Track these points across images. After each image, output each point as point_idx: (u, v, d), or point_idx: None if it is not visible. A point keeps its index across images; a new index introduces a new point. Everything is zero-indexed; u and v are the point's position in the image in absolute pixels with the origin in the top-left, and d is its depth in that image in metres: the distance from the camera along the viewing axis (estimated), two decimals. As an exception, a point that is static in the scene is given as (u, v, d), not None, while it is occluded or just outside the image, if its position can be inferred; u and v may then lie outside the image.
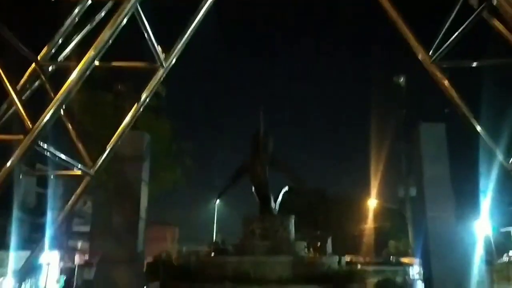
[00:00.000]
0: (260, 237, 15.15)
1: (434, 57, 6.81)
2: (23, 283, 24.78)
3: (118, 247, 10.52)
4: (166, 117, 17.72)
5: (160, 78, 7.29)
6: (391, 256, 37.92)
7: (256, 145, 15.69)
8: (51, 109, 5.63)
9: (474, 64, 7.18)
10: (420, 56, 6.87)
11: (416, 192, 11.47)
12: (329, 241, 15.75)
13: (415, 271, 30.47)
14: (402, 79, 10.91)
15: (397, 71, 12.19)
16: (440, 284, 10.21)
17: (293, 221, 15.88)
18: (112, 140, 7.37)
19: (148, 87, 7.36)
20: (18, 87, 6.60)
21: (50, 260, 29.27)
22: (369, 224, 39.08)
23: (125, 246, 10.58)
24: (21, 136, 5.50)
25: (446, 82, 6.69)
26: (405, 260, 32.34)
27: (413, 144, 11.37)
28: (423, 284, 26.21)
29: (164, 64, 7.14)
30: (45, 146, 5.84)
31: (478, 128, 6.72)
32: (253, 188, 15.83)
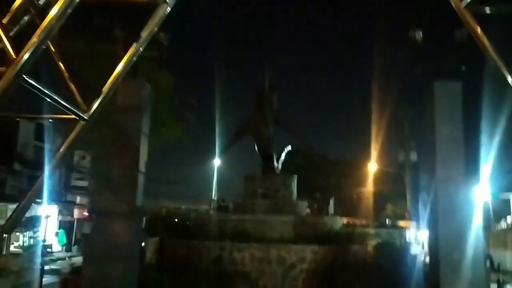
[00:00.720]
0: (261, 196, 14.77)
1: (468, 1, 6.09)
2: (21, 235, 24.71)
3: (116, 201, 10.09)
4: (169, 70, 17.08)
5: (163, 15, 6.59)
6: (387, 219, 38.07)
7: (260, 101, 15.05)
8: (35, 39, 5.01)
9: None
10: (451, 0, 6.17)
11: (426, 151, 10.92)
12: (331, 202, 15.36)
13: (411, 234, 30.52)
14: (418, 34, 10.17)
15: (405, 26, 11.39)
16: (446, 245, 9.83)
17: (295, 181, 15.45)
18: (107, 83, 6.75)
19: (148, 24, 6.67)
20: (6, 19, 5.95)
21: (49, 213, 29.21)
22: (368, 187, 38.93)
23: (123, 200, 10.14)
24: (4, 68, 4.93)
25: (478, 29, 6.01)
26: (401, 223, 32.44)
27: (425, 102, 10.74)
28: (419, 246, 26.13)
29: (167, -1, 6.41)
30: (34, 82, 5.26)
31: (510, 80, 6.10)
32: (255, 146, 15.31)
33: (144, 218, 17.10)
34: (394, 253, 13.47)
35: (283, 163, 16.83)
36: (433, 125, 10.29)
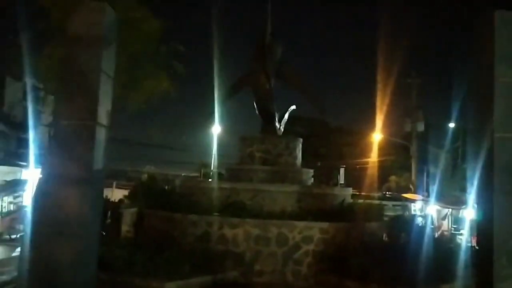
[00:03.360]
0: (260, 161, 12.04)
1: None
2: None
3: (66, 162, 7.26)
4: (153, 11, 14.05)
5: None
6: (387, 192, 35.73)
7: (260, 50, 12.11)
8: None
9: None
10: None
11: (477, 105, 8.05)
12: (342, 171, 12.84)
13: (417, 207, 28.00)
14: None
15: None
16: (503, 228, 7.10)
17: (300, 145, 12.68)
18: None
19: None
20: None
21: (36, 176, 26.60)
22: (371, 157, 36.24)
23: (76, 161, 7.31)
24: None
25: None
26: (406, 196, 29.99)
27: (480, 39, 7.81)
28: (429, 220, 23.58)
29: None
30: None
31: None
32: (254, 102, 12.48)
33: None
34: (417, 232, 10.91)
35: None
36: (491, 69, 7.39)
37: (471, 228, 20.70)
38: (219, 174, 12.81)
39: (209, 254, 9.39)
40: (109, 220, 13.69)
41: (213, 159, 20.43)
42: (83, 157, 7.41)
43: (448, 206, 24.67)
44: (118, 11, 9.21)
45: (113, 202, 14.89)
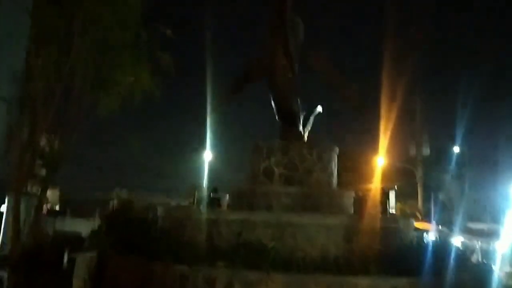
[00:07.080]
0: (281, 179, 7.88)
1: None
2: None
3: None
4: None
5: None
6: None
7: (279, 23, 8.15)
8: None
9: None
10: None
11: None
12: (392, 194, 9.10)
13: (429, 238, 23.88)
14: None
15: None
16: None
17: (336, 156, 8.64)
18: None
19: None
20: None
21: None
22: (374, 183, 32.30)
23: None
24: None
25: None
26: (417, 225, 25.89)
27: None
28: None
29: None
30: None
31: None
32: (271, 95, 8.40)
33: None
34: None
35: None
36: None
37: (503, 262, 16.59)
38: (220, 200, 8.62)
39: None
40: (65, 265, 9.59)
41: (202, 183, 16.04)
42: None
43: (476, 238, 20.64)
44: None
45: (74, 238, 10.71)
